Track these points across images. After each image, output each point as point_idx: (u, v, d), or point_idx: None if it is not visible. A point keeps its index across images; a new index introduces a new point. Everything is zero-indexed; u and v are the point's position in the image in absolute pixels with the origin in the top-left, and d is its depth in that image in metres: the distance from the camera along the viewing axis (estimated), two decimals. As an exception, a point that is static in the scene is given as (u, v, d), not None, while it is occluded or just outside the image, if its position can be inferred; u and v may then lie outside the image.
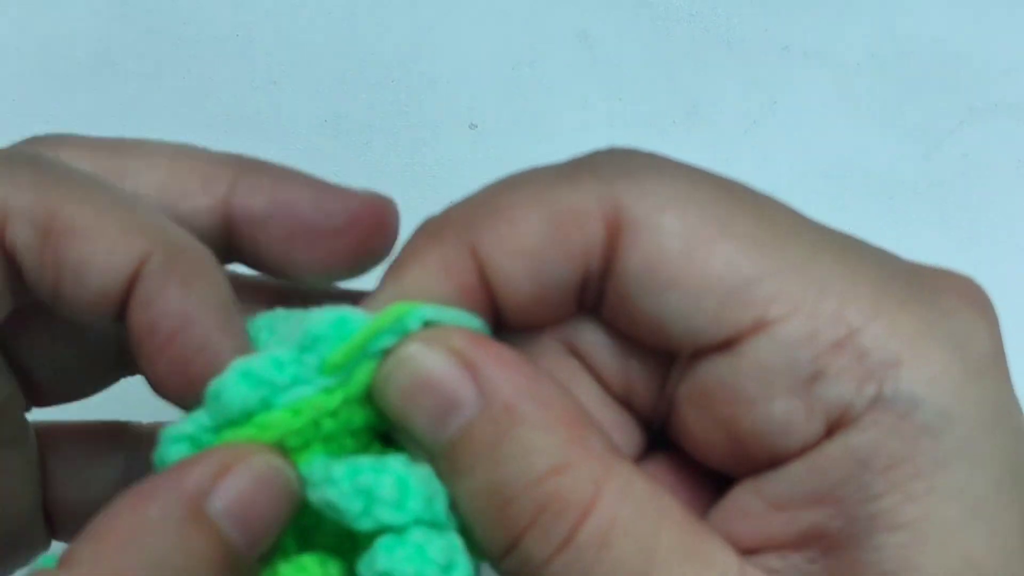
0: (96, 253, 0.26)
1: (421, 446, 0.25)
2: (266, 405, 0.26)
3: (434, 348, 0.24)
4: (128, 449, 0.34)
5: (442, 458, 0.24)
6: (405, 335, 0.26)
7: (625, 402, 0.27)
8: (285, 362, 0.26)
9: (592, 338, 0.27)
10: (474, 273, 0.25)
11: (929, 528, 0.23)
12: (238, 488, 0.24)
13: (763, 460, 0.25)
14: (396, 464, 0.25)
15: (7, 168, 0.28)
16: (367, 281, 0.30)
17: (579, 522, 0.23)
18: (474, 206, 0.26)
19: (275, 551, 0.26)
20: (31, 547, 0.32)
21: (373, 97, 0.56)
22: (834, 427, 0.23)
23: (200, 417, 0.26)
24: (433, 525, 0.25)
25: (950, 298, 0.25)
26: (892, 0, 0.60)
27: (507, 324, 0.26)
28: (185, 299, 0.26)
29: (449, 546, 0.25)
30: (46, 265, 0.27)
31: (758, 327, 0.24)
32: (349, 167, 0.54)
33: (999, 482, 0.23)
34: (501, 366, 0.24)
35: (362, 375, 0.26)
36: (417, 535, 0.24)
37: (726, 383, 0.24)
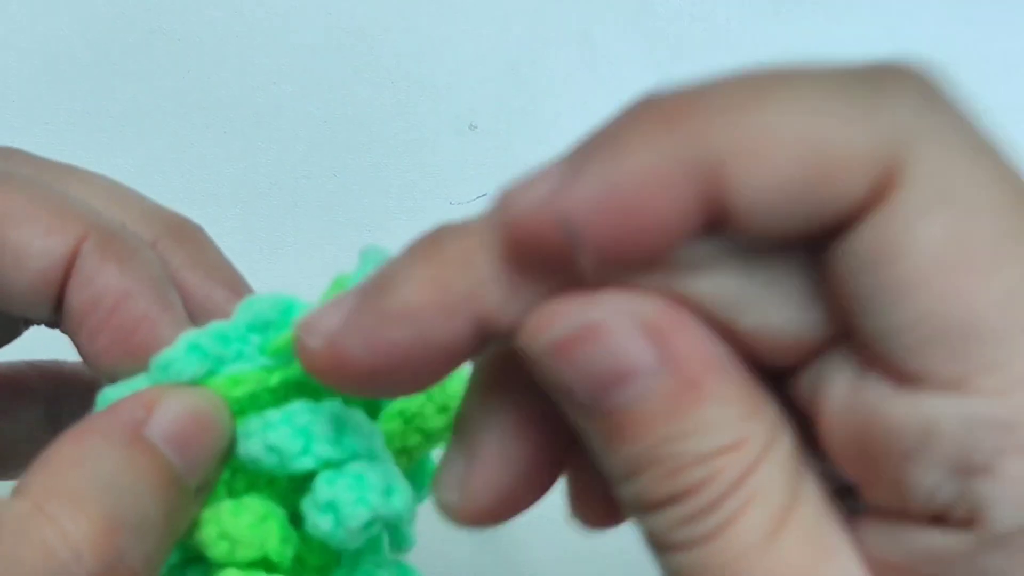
0: (34, 236, 0.28)
1: (571, 399, 0.23)
2: (210, 375, 0.27)
3: (617, 308, 0.22)
4: (53, 386, 0.35)
5: (600, 420, 0.22)
6: None
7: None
8: (231, 337, 0.28)
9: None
10: (695, 192, 0.21)
11: None
12: (171, 415, 0.26)
13: (890, 503, 0.22)
14: (331, 406, 0.27)
15: None
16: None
17: (727, 494, 0.21)
18: (727, 112, 0.21)
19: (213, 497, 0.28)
20: None
21: (373, 97, 0.56)
22: (966, 523, 0.20)
23: (139, 382, 0.28)
24: (370, 458, 0.26)
25: None
26: (892, 0, 0.60)
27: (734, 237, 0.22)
28: (123, 276, 0.28)
29: (387, 473, 0.26)
30: None
31: (952, 386, 0.20)
32: (349, 167, 0.54)
33: None
34: (687, 335, 0.22)
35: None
36: (355, 467, 0.26)
37: (894, 426, 0.21)
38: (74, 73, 0.55)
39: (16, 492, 0.24)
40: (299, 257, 0.52)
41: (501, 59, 0.57)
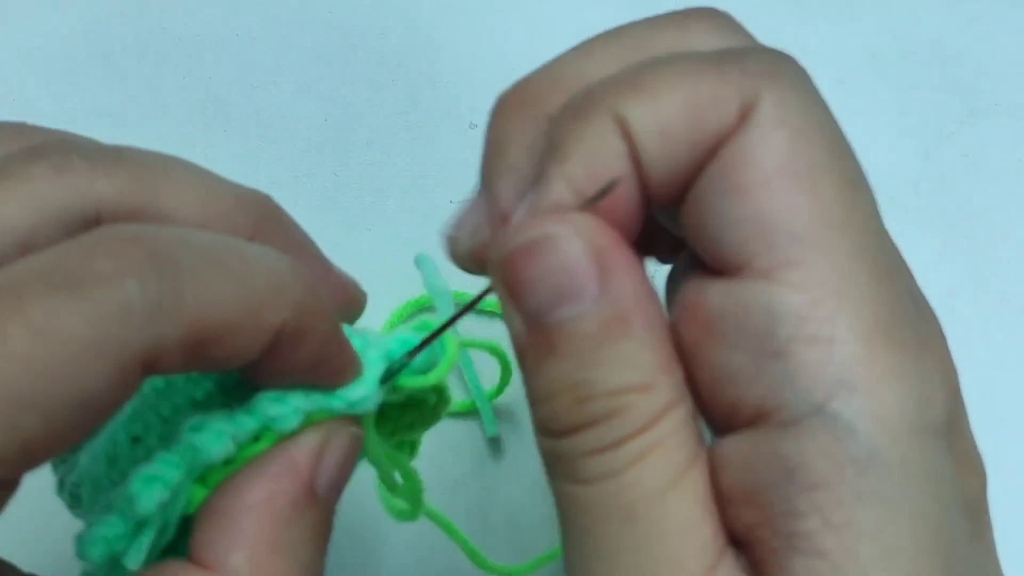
0: (240, 330, 0.26)
1: (515, 314, 0.26)
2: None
3: (576, 235, 0.25)
4: None
5: (537, 340, 0.25)
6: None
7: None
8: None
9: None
10: (625, 148, 0.25)
11: (844, 562, 0.23)
12: (334, 461, 0.28)
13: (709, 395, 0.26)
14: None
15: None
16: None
17: (632, 435, 0.24)
18: (618, 81, 0.26)
19: None
20: None
21: (373, 97, 0.56)
22: (765, 414, 0.24)
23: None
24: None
25: (935, 364, 0.25)
26: (892, 0, 0.60)
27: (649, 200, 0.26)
28: (322, 345, 0.28)
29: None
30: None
31: (763, 275, 0.24)
32: (349, 167, 0.54)
33: (918, 536, 0.23)
34: (629, 274, 0.25)
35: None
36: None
37: (714, 307, 0.25)
38: (74, 73, 0.55)
39: (213, 566, 0.26)
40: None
41: (501, 59, 0.57)
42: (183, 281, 0.23)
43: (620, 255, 0.25)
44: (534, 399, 0.26)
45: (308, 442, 0.28)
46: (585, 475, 0.25)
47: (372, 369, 0.29)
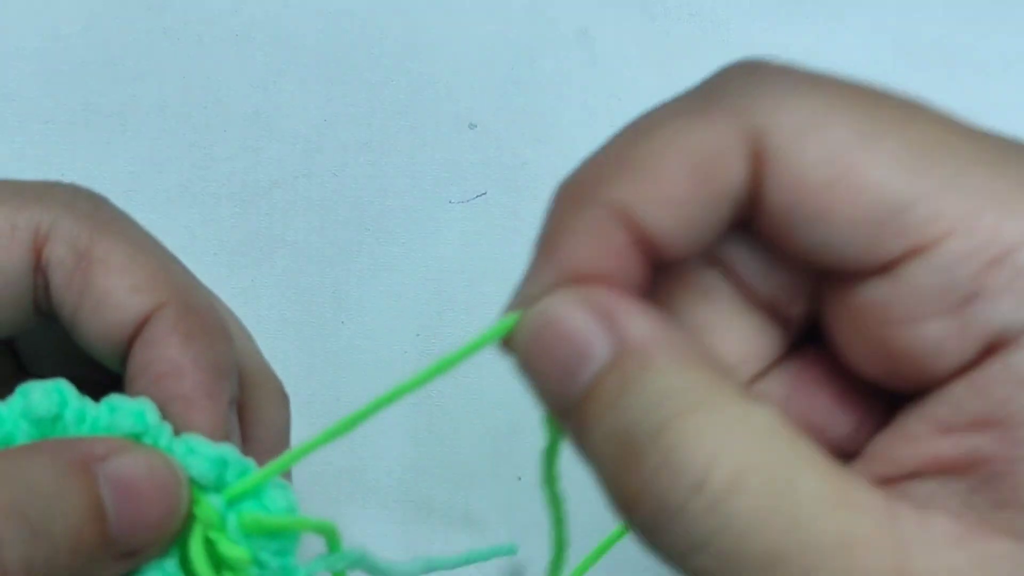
0: (120, 288, 0.30)
1: (552, 408, 0.25)
2: None
3: (569, 299, 0.24)
4: None
5: (573, 414, 0.24)
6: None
7: (770, 308, 0.27)
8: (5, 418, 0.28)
9: (734, 250, 0.27)
10: (624, 233, 0.24)
11: None
12: (129, 466, 0.26)
13: (916, 379, 0.24)
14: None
15: (70, 196, 0.31)
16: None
17: (708, 465, 0.22)
18: (610, 162, 0.25)
19: None
20: None
21: (373, 97, 0.56)
22: (993, 347, 0.23)
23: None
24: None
25: None
26: (892, 0, 0.60)
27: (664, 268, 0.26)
28: (182, 352, 0.29)
29: None
30: (73, 287, 0.30)
31: (914, 251, 0.23)
32: (348, 166, 0.54)
33: None
34: (634, 314, 0.24)
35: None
36: None
37: (880, 304, 0.24)
38: (74, 72, 0.55)
39: None
40: (299, 256, 0.52)
41: (501, 59, 0.57)
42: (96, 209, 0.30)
43: (620, 303, 0.24)
44: (600, 481, 0.24)
45: (106, 437, 0.27)
46: (693, 539, 0.22)
47: (225, 448, 0.28)
